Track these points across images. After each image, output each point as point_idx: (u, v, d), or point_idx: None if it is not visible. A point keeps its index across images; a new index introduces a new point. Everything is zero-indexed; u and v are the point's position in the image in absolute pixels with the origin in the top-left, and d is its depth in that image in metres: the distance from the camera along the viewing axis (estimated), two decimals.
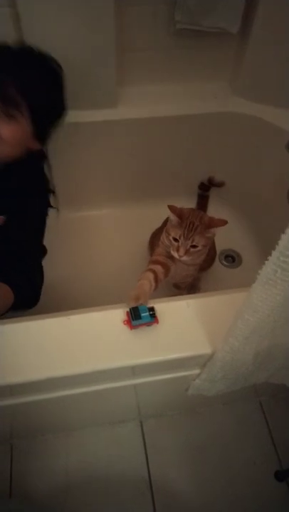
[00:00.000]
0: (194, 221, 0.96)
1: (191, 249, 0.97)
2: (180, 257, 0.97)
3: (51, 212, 1.48)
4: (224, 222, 0.95)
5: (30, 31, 1.04)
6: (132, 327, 0.77)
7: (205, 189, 1.52)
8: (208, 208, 1.54)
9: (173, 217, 0.97)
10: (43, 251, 1.04)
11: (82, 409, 1.10)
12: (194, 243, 0.96)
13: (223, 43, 1.21)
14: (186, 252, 0.96)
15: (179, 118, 1.29)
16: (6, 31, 1.08)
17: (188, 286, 1.30)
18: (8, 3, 1.01)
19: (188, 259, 0.99)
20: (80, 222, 1.55)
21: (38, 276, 0.99)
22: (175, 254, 0.98)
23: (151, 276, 0.95)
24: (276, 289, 0.52)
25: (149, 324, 0.77)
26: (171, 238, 0.98)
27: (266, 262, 0.51)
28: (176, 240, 0.97)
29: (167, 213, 1.15)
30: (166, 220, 1.25)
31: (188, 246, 0.96)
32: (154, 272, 0.98)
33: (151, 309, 0.77)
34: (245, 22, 1.13)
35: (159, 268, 1.00)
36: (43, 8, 1.00)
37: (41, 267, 1.00)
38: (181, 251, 0.96)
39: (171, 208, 0.97)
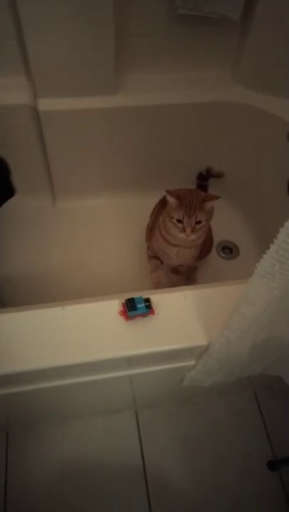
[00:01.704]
0: (192, 199, 1.00)
1: (196, 226, 1.01)
2: (188, 235, 1.01)
3: (47, 201, 1.49)
4: (216, 197, 1.00)
5: (29, 20, 1.02)
6: (128, 318, 0.77)
7: (203, 179, 1.51)
8: None
9: (172, 200, 1.00)
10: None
11: (78, 399, 1.11)
12: (198, 219, 1.00)
13: (225, 29, 1.19)
14: (193, 230, 1.01)
15: (178, 106, 1.27)
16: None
17: (187, 273, 1.30)
18: None
19: (196, 237, 1.04)
20: (77, 212, 1.54)
21: None
22: (182, 235, 1.03)
23: (157, 262, 1.17)
24: (274, 283, 0.52)
25: (144, 315, 0.77)
26: (174, 221, 1.02)
27: (264, 255, 0.50)
28: (180, 221, 1.01)
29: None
30: (157, 206, 1.26)
31: (194, 223, 1.00)
32: (156, 258, 1.17)
33: (147, 300, 0.76)
34: (247, 8, 1.10)
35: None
36: None
37: None
38: (188, 230, 1.00)
39: (169, 192, 1.00)
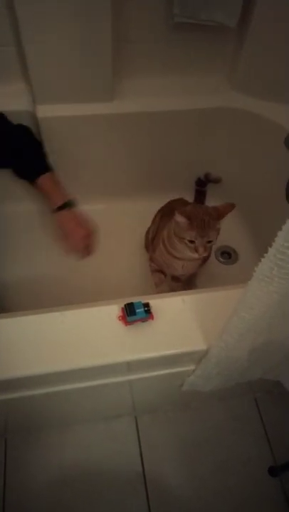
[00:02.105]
0: (204, 217, 0.94)
1: (208, 245, 0.97)
2: (201, 255, 0.97)
3: (43, 207, 1.48)
4: (232, 206, 0.96)
5: (27, 27, 1.03)
6: (127, 323, 0.77)
7: (202, 185, 1.52)
8: (205, 204, 1.54)
9: (183, 220, 0.94)
10: None
11: (77, 405, 1.10)
12: (210, 239, 0.96)
13: (222, 36, 1.20)
14: (205, 249, 0.96)
15: (176, 113, 1.28)
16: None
17: (187, 279, 1.30)
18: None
19: (207, 254, 1.00)
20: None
21: None
22: (195, 255, 0.98)
23: (162, 276, 1.16)
24: (272, 287, 0.52)
25: (144, 320, 0.77)
26: (186, 241, 0.96)
27: (262, 259, 0.50)
28: (191, 241, 0.96)
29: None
30: (158, 216, 1.25)
31: (206, 243, 0.96)
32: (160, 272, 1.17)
33: (146, 305, 0.76)
34: (244, 16, 1.12)
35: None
36: (39, 0, 0.98)
37: None
38: (201, 250, 0.96)
39: (180, 211, 0.94)
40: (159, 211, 1.28)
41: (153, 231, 1.25)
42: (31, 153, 1.15)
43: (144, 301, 0.77)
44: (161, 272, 1.24)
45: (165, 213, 1.21)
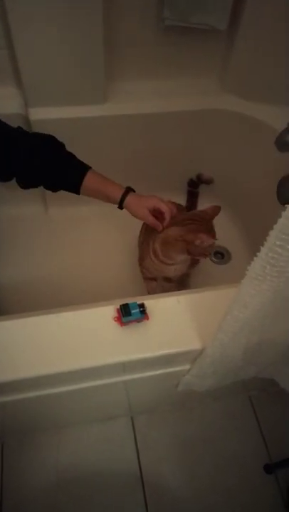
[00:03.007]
0: (209, 222, 1.01)
1: None
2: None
3: (40, 209, 1.48)
4: (219, 208, 1.02)
5: (19, 30, 1.03)
6: (123, 324, 0.77)
7: (194, 186, 1.53)
8: (198, 205, 1.56)
9: (210, 240, 0.95)
10: None
11: (73, 406, 1.10)
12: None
13: (212, 39, 1.21)
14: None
15: (167, 115, 1.29)
16: None
17: (179, 279, 1.30)
18: None
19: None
20: (69, 219, 1.55)
21: None
22: (203, 258, 1.04)
23: (155, 283, 1.19)
24: (265, 285, 0.53)
25: (139, 321, 0.77)
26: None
27: (255, 258, 0.51)
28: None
29: None
30: (143, 229, 1.25)
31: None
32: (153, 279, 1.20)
33: (142, 306, 0.77)
34: (233, 19, 1.13)
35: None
36: (30, 3, 0.99)
37: None
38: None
39: (206, 234, 0.95)
40: (144, 224, 1.27)
41: (141, 242, 1.24)
42: (63, 162, 0.98)
43: (139, 301, 0.78)
44: (153, 278, 1.25)
45: (149, 227, 1.21)
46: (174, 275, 1.18)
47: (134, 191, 1.03)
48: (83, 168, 0.99)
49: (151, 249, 1.08)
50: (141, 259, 1.20)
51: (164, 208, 0.99)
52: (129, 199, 1.00)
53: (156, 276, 1.23)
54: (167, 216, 0.99)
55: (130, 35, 1.17)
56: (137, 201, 1.00)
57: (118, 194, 0.99)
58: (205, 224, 1.00)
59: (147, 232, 1.16)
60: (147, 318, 0.78)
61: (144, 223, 1.27)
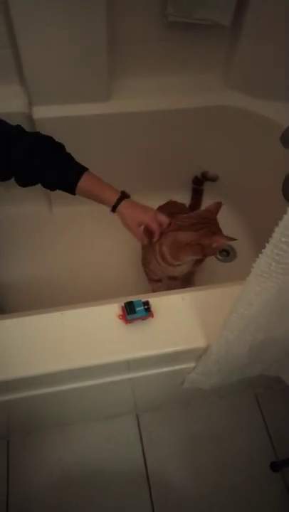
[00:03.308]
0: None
1: None
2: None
3: (44, 207, 1.48)
4: (220, 204, 1.03)
5: (22, 29, 1.03)
6: (127, 322, 0.77)
7: (199, 183, 1.52)
8: (202, 202, 1.55)
9: (224, 240, 0.98)
10: None
11: (78, 404, 1.11)
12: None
13: (216, 35, 1.20)
14: None
15: (171, 112, 1.29)
16: None
17: (184, 277, 1.30)
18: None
19: None
20: (73, 218, 1.55)
21: None
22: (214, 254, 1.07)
23: (160, 284, 1.20)
24: (270, 282, 0.53)
25: (144, 318, 0.77)
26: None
27: (260, 255, 0.51)
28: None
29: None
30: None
31: None
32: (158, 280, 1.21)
33: (146, 303, 0.77)
34: (237, 14, 1.12)
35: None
36: (33, 2, 0.98)
37: None
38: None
39: (225, 236, 0.98)
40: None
41: (146, 247, 1.23)
42: (61, 163, 1.00)
43: (144, 299, 0.78)
44: (159, 280, 1.24)
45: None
46: (179, 274, 1.19)
47: (128, 196, 1.02)
48: (80, 170, 1.00)
49: (158, 253, 1.07)
50: (146, 262, 1.20)
51: (154, 229, 1.00)
52: (124, 207, 1.00)
53: (162, 277, 1.22)
54: (155, 237, 1.01)
55: (133, 32, 1.16)
56: (130, 212, 1.00)
57: (113, 199, 1.00)
58: (214, 224, 1.01)
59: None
60: (152, 316, 0.78)
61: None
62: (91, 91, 1.21)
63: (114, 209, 1.01)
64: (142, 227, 1.02)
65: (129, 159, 1.43)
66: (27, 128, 1.24)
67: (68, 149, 1.34)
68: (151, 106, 1.27)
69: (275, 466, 1.26)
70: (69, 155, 1.02)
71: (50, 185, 1.01)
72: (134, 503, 1.20)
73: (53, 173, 0.98)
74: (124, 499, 1.21)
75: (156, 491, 1.22)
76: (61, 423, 1.29)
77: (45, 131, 1.25)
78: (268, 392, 1.39)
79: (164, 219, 1.01)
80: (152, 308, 0.78)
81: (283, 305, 0.60)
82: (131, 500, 1.21)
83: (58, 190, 1.03)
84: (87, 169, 1.02)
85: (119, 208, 1.00)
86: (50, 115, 1.22)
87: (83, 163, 1.41)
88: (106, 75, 1.18)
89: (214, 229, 1.00)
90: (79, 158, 1.38)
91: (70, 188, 1.01)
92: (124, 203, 1.00)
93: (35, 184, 1.01)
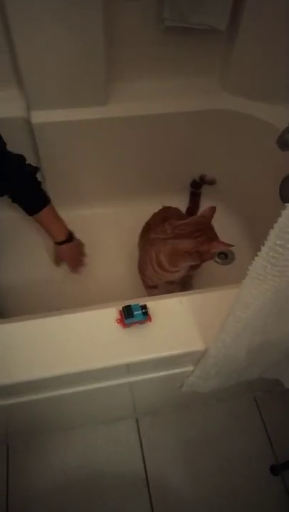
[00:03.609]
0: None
1: None
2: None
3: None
4: (214, 208, 1.04)
5: (20, 33, 1.03)
6: (125, 325, 0.77)
7: (197, 187, 1.53)
8: (200, 205, 1.55)
9: (222, 246, 1.01)
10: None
11: (78, 409, 1.10)
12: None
13: (212, 39, 1.21)
14: None
15: (169, 115, 1.29)
16: None
17: (182, 280, 1.30)
18: None
19: None
20: (71, 221, 1.54)
21: None
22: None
23: (156, 290, 1.22)
24: (266, 285, 0.53)
25: (141, 322, 0.77)
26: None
27: (256, 257, 0.51)
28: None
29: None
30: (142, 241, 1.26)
31: None
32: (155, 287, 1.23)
33: (144, 307, 0.77)
34: (233, 18, 1.13)
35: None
36: (31, 6, 0.99)
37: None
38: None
39: (222, 242, 1.01)
40: (141, 235, 1.27)
41: (143, 254, 1.23)
42: (30, 189, 1.15)
43: (142, 303, 0.78)
44: (155, 286, 1.25)
45: (150, 230, 1.21)
46: (176, 279, 1.19)
47: (73, 240, 1.27)
48: (43, 202, 1.16)
49: (154, 261, 1.08)
50: (142, 269, 1.21)
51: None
52: (64, 247, 1.26)
53: (158, 284, 1.23)
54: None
55: (131, 37, 1.17)
56: (69, 251, 1.29)
57: (59, 238, 1.24)
58: (210, 229, 1.02)
59: (146, 244, 1.16)
60: (150, 320, 0.78)
61: (142, 231, 1.28)
62: (89, 95, 1.22)
63: (57, 244, 1.26)
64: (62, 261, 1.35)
65: (126, 163, 1.44)
66: (26, 132, 1.26)
67: (66, 153, 1.35)
68: (148, 110, 1.27)
69: (274, 469, 1.26)
70: (39, 182, 1.16)
71: (14, 201, 1.16)
72: (134, 507, 1.20)
73: (22, 195, 1.14)
74: (124, 502, 1.20)
75: (155, 494, 1.22)
76: (62, 427, 1.29)
77: (44, 135, 1.26)
78: (266, 395, 1.39)
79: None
80: (150, 312, 0.78)
81: (280, 308, 0.60)
82: (131, 504, 1.20)
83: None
84: (49, 201, 1.18)
85: (61, 247, 1.26)
86: (48, 120, 1.22)
87: (81, 168, 1.42)
88: (103, 79, 1.19)
89: (211, 234, 1.01)
90: (76, 162, 1.39)
91: (31, 214, 1.17)
92: (66, 246, 1.26)
93: (2, 196, 1.14)
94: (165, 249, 1.04)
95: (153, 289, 1.26)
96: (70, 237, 1.25)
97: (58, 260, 1.36)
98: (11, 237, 1.49)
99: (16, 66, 1.14)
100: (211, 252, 0.99)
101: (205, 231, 1.00)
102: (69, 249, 1.28)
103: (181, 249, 1.00)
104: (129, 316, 0.76)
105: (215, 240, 0.99)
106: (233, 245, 1.00)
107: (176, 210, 1.30)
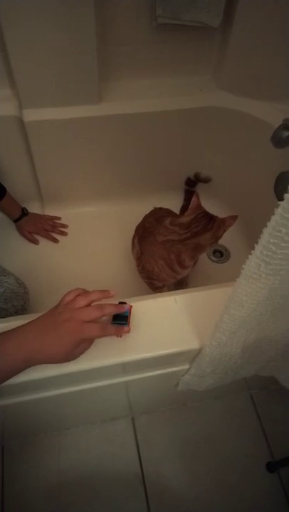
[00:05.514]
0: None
1: None
2: None
3: (36, 210, 1.52)
4: (198, 199, 1.08)
5: (11, 32, 1.03)
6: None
7: (191, 185, 1.52)
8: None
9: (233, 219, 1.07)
10: None
11: (74, 408, 1.10)
12: None
13: (205, 37, 1.21)
14: None
15: (163, 113, 1.29)
16: None
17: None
18: None
19: None
20: (66, 220, 1.54)
21: None
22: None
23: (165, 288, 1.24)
24: (260, 283, 0.52)
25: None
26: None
27: (249, 256, 0.51)
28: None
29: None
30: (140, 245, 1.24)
31: None
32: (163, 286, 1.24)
33: (125, 318, 0.74)
34: (227, 16, 1.12)
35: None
36: (22, 4, 0.98)
37: None
38: None
39: (231, 218, 1.07)
40: (140, 236, 1.24)
41: (138, 253, 1.23)
42: None
43: (126, 312, 0.75)
44: (164, 286, 1.24)
45: (148, 234, 1.18)
46: (184, 274, 1.19)
47: (27, 214, 1.46)
48: (4, 189, 1.32)
49: (174, 262, 1.09)
50: (149, 273, 1.19)
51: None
52: (23, 221, 1.45)
53: (167, 283, 1.23)
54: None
55: (123, 34, 1.16)
56: (29, 222, 1.46)
57: (16, 216, 1.44)
58: (208, 213, 1.07)
59: (152, 247, 1.14)
60: (128, 331, 0.75)
61: (136, 235, 1.26)
62: (82, 93, 1.21)
63: (16, 221, 1.45)
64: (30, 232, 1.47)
65: (120, 161, 1.43)
66: (18, 131, 1.25)
67: (59, 152, 1.34)
68: (142, 108, 1.27)
69: (271, 467, 1.26)
70: None
71: None
72: (131, 506, 1.20)
73: None
74: (120, 502, 1.20)
75: (152, 493, 1.22)
76: (56, 427, 1.29)
77: (37, 134, 1.25)
78: (263, 393, 1.39)
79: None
80: (144, 310, 0.77)
81: (274, 306, 0.60)
82: (127, 503, 1.20)
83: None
84: (5, 191, 1.33)
85: (20, 222, 1.45)
86: (40, 118, 1.21)
87: (74, 166, 1.42)
88: (97, 78, 1.18)
89: (212, 216, 1.07)
90: (70, 160, 1.38)
91: None
92: (24, 219, 1.45)
93: None
94: (187, 249, 1.06)
95: (162, 288, 1.25)
96: (25, 212, 1.44)
97: (27, 235, 1.47)
98: (4, 236, 1.48)
99: (8, 64, 1.13)
100: (226, 225, 1.07)
101: (207, 216, 1.05)
102: (27, 221, 1.45)
103: (204, 244, 1.05)
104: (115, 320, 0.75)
105: (224, 220, 1.06)
106: (236, 215, 1.08)
107: (167, 209, 1.29)
